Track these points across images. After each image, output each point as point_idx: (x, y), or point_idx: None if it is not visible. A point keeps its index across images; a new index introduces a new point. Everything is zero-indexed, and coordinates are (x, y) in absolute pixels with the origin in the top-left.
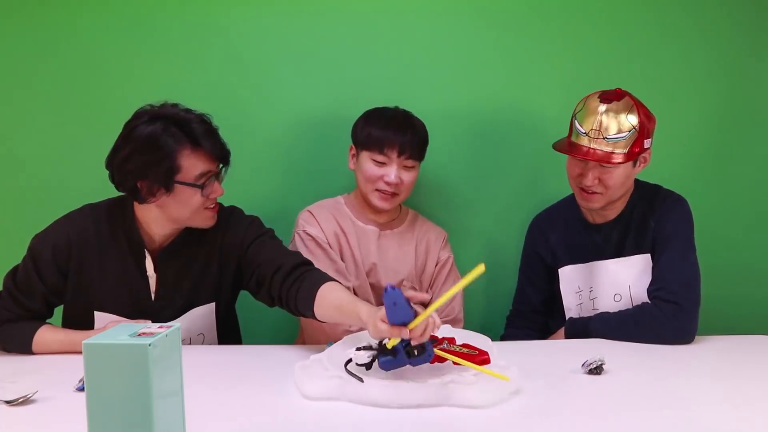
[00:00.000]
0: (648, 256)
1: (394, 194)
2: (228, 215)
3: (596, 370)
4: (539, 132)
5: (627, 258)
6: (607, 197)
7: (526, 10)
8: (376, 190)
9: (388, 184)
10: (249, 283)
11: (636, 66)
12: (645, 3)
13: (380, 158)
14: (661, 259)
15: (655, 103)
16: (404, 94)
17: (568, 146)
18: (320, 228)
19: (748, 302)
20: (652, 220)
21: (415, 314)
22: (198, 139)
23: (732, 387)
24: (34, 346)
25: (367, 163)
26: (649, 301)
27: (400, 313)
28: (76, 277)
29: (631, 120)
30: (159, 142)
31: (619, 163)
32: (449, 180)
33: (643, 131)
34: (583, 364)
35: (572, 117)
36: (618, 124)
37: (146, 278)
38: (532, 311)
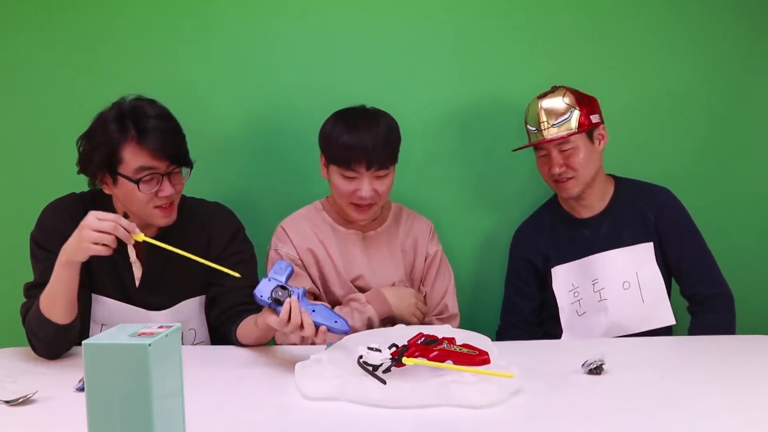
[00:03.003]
0: (650, 245)
1: (370, 205)
2: (214, 209)
3: (596, 370)
4: None
5: (630, 247)
6: (581, 180)
7: (526, 6)
8: (351, 203)
9: (362, 198)
10: (207, 293)
11: (631, 64)
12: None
13: (349, 174)
14: (683, 259)
15: (651, 100)
16: (397, 93)
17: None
18: (292, 245)
19: (747, 302)
20: (650, 213)
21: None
22: (145, 135)
23: (732, 387)
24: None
25: (337, 178)
26: (692, 304)
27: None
28: None
29: (566, 101)
30: (105, 128)
31: (573, 134)
32: (449, 179)
33: (583, 107)
34: (583, 364)
35: (525, 125)
36: (557, 109)
37: (129, 265)
38: (522, 321)
